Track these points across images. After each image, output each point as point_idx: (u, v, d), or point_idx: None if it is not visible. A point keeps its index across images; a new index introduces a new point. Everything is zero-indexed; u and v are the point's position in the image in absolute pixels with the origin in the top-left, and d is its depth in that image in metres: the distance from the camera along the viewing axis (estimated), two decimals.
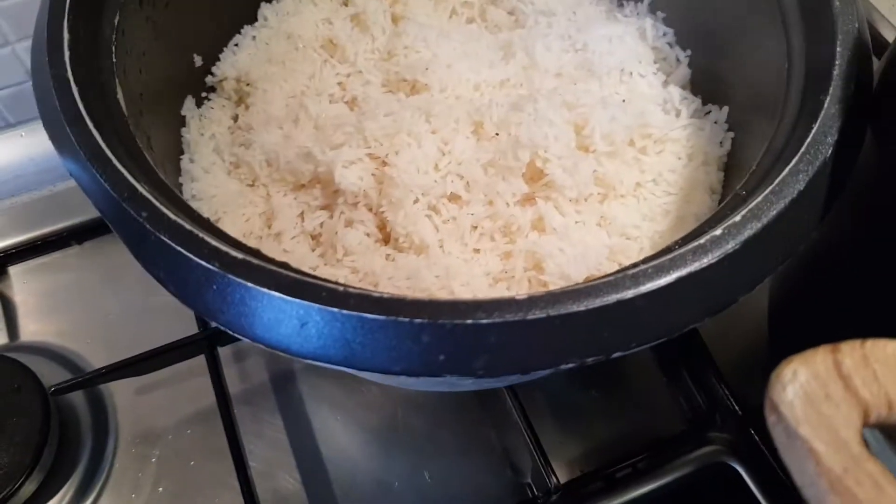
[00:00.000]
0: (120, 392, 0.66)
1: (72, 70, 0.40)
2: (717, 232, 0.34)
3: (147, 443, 0.63)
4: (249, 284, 0.33)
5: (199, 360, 0.63)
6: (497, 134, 0.55)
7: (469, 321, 0.31)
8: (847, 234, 0.50)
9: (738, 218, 0.35)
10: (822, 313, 0.57)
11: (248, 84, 0.63)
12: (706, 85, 0.60)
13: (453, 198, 0.54)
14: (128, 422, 0.65)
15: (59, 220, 0.75)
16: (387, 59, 0.64)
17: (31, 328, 0.70)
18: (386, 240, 0.55)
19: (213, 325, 0.62)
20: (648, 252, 0.52)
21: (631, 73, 0.60)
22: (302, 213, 0.57)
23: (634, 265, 0.34)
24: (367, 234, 0.54)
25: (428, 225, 0.53)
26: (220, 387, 0.60)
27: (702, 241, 0.34)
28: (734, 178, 0.53)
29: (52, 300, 0.72)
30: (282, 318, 0.32)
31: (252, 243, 0.54)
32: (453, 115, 0.56)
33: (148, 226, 0.34)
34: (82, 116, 0.38)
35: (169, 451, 0.63)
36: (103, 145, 0.37)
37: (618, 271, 0.34)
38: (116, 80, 0.44)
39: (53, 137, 0.39)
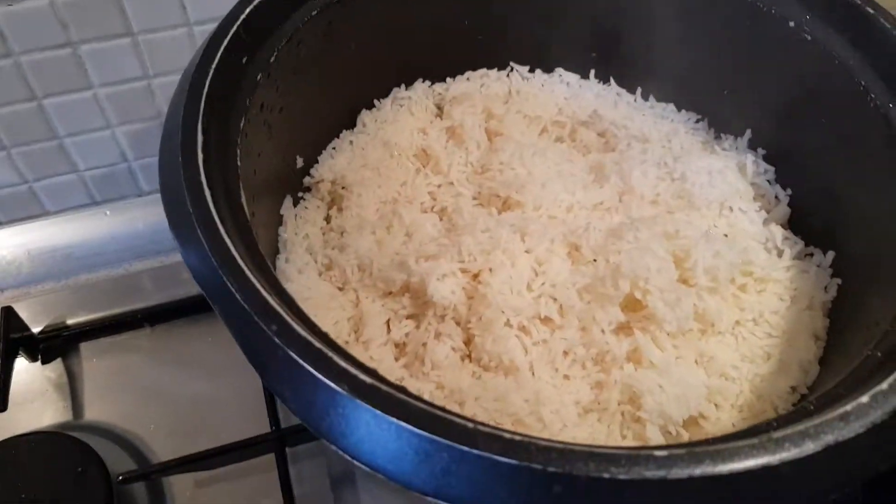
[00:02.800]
0: (179, 482, 0.64)
1: (205, 174, 0.41)
2: (864, 399, 0.33)
3: None
4: (378, 412, 0.32)
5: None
6: (595, 260, 0.55)
7: (606, 475, 0.30)
8: None
9: (885, 386, 0.33)
10: None
11: (343, 187, 0.64)
12: (808, 227, 0.60)
13: (546, 320, 0.53)
14: None
15: (134, 301, 0.75)
16: (480, 174, 0.65)
17: (96, 407, 0.70)
18: (470, 355, 0.54)
19: (286, 425, 0.63)
20: (748, 395, 0.51)
21: (731, 208, 0.60)
22: (388, 320, 0.56)
23: (771, 425, 0.33)
24: (454, 349, 0.53)
25: (518, 346, 0.52)
26: (287, 488, 0.59)
27: (847, 407, 0.32)
28: (846, 329, 0.51)
29: (120, 380, 0.71)
30: (407, 450, 0.31)
31: None
32: (548, 235, 0.56)
33: (277, 340, 0.34)
34: (215, 223, 0.38)
35: None
36: (235, 254, 0.37)
37: (753, 430, 0.33)
38: (241, 185, 0.44)
39: (181, 240, 0.39)
